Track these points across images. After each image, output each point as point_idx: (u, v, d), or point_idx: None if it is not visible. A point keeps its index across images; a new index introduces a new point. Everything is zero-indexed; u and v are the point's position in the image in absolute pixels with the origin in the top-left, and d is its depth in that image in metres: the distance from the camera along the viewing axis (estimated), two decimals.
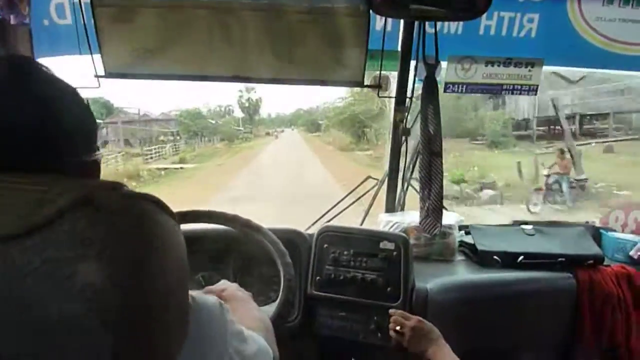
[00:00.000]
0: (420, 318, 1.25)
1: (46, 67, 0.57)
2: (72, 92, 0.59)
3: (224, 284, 1.10)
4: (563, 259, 1.64)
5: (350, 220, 1.92)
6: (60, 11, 1.62)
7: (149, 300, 0.46)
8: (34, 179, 0.46)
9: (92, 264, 0.41)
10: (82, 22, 1.51)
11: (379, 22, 1.68)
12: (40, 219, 0.41)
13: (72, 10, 1.60)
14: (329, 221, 1.85)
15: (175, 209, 0.54)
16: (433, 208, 1.51)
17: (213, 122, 32.10)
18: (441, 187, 1.51)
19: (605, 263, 1.69)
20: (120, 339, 0.42)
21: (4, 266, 0.41)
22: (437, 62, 1.52)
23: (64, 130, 0.55)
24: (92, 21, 1.51)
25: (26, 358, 0.41)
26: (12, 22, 1.40)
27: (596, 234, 1.88)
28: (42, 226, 0.41)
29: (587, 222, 1.98)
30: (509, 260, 1.66)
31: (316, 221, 1.92)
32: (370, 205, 1.97)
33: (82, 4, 1.51)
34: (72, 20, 1.61)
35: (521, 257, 1.65)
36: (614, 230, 1.92)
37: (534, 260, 1.65)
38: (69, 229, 0.42)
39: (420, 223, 1.56)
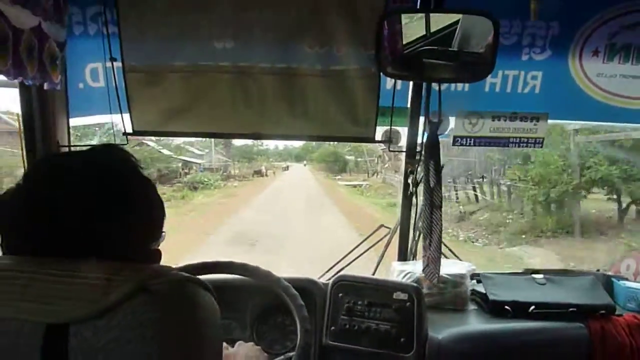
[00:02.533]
0: None
1: (134, 158, 0.64)
2: (152, 185, 0.67)
3: (239, 346, 1.16)
4: (574, 309, 1.65)
5: (363, 264, 1.97)
6: (94, 75, 1.76)
7: None
8: (99, 267, 0.54)
9: (148, 342, 0.49)
10: (114, 85, 1.65)
11: (389, 81, 1.77)
12: (107, 305, 0.49)
13: (105, 75, 1.74)
14: (342, 269, 1.89)
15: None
16: (433, 257, 1.56)
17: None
18: (440, 237, 1.56)
19: (617, 312, 1.69)
20: None
21: (78, 345, 0.48)
22: (440, 120, 1.61)
23: (142, 222, 0.63)
24: (123, 84, 1.64)
25: None
26: (45, 88, 1.53)
27: (607, 282, 1.89)
28: (108, 311, 0.49)
29: (597, 271, 1.99)
30: (520, 310, 1.68)
31: (330, 269, 1.97)
32: (383, 254, 2.02)
33: (115, 69, 1.64)
34: (104, 84, 1.75)
35: (532, 307, 1.67)
36: (626, 279, 1.93)
37: (546, 310, 1.66)
38: (130, 313, 0.50)
39: (422, 271, 1.62)
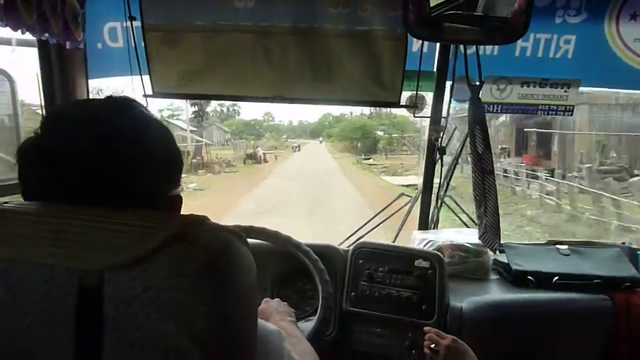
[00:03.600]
0: (455, 337, 1.26)
1: (145, 107, 0.63)
2: (167, 131, 0.65)
3: (265, 303, 1.16)
4: (599, 281, 1.63)
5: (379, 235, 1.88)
6: (113, 35, 1.72)
7: (232, 321, 0.52)
8: (133, 215, 0.52)
9: (185, 292, 0.47)
10: (134, 45, 1.61)
11: (415, 43, 1.71)
12: (143, 253, 0.47)
13: (124, 34, 1.70)
14: (361, 237, 1.88)
15: None
16: (490, 224, 1.54)
17: None
18: (496, 203, 1.53)
19: None
20: (208, 354, 0.48)
21: (113, 293, 0.47)
22: (482, 83, 1.56)
23: (161, 168, 0.61)
24: (143, 44, 1.60)
25: None
26: (68, 47, 1.50)
27: (633, 255, 1.85)
28: (145, 258, 0.47)
29: (623, 244, 1.95)
30: (543, 280, 1.66)
31: (349, 237, 1.96)
32: (403, 223, 2.00)
33: (134, 29, 1.60)
34: (123, 44, 1.71)
35: (556, 278, 1.64)
36: None
37: (570, 282, 1.64)
38: (167, 261, 0.48)
39: (479, 238, 1.60)
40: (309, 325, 1.38)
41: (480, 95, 1.59)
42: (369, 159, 28.91)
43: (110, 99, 0.62)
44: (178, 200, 0.65)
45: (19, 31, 1.26)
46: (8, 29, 1.23)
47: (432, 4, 1.47)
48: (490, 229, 1.52)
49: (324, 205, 12.01)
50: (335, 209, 11.31)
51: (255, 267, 0.58)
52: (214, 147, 30.15)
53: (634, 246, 1.95)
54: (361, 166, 26.06)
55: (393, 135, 30.88)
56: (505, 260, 1.76)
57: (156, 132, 0.62)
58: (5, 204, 0.55)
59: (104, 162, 0.55)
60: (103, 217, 0.51)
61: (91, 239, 0.49)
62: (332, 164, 26.62)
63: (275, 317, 1.12)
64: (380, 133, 31.44)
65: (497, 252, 1.85)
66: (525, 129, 18.07)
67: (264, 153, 28.42)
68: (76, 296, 0.47)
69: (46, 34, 1.36)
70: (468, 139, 1.58)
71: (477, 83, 1.54)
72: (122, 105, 0.61)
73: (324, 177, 19.14)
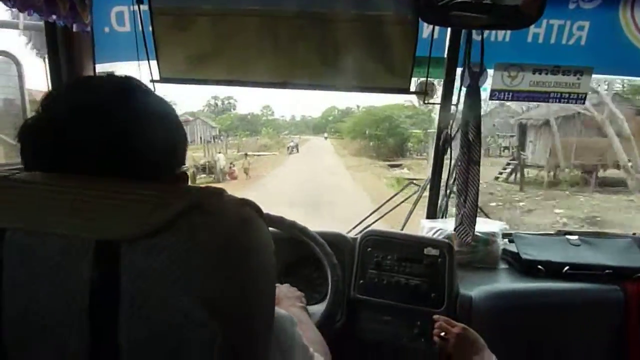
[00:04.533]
0: (465, 326, 1.25)
1: (145, 85, 0.62)
2: (172, 110, 0.64)
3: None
4: (610, 271, 1.61)
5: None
6: (120, 19, 1.71)
7: (249, 296, 0.50)
8: (144, 187, 0.51)
9: (204, 263, 0.46)
10: (141, 29, 1.59)
11: (426, 29, 1.69)
12: (160, 223, 0.46)
13: (132, 19, 1.68)
14: (369, 225, 1.87)
15: None
16: (467, 216, 1.52)
17: None
18: (477, 195, 1.52)
19: None
20: (225, 328, 0.47)
21: (130, 264, 0.45)
22: (482, 70, 1.53)
23: (167, 145, 0.61)
24: (150, 29, 1.58)
25: (149, 341, 0.46)
26: (75, 29, 1.49)
27: None
28: (162, 228, 0.46)
29: (634, 234, 1.93)
30: (553, 270, 1.64)
31: (357, 225, 1.95)
32: (411, 211, 1.98)
33: (141, 13, 1.58)
34: (130, 28, 1.69)
35: (566, 268, 1.63)
36: None
37: (580, 271, 1.62)
38: (185, 232, 0.46)
39: (454, 230, 1.58)
40: (319, 308, 1.37)
41: (487, 83, 1.57)
42: (398, 166, 20.71)
43: (112, 75, 0.62)
44: (185, 177, 0.64)
45: (26, 12, 1.25)
46: (16, 10, 1.22)
47: None
48: (466, 220, 1.51)
49: None
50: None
51: (272, 244, 0.56)
52: (191, 147, 23.85)
53: None
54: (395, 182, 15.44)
55: (429, 131, 21.97)
56: (515, 250, 1.74)
57: (159, 106, 0.62)
58: (18, 174, 0.53)
59: (109, 135, 0.54)
60: (117, 188, 0.50)
61: (107, 209, 0.48)
62: (346, 182, 16.60)
63: (285, 303, 1.12)
64: (412, 129, 23.97)
65: (507, 241, 1.84)
66: None
67: (231, 164, 19.72)
68: (91, 268, 0.46)
69: (53, 16, 1.34)
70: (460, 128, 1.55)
71: (477, 70, 1.51)
72: (123, 82, 0.60)
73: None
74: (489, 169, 16.34)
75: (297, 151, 30.02)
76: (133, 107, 0.57)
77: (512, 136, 20.88)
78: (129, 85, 0.60)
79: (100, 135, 0.53)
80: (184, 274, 0.45)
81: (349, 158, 23.41)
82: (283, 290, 1.19)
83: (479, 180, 1.52)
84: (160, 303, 0.45)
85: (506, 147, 21.98)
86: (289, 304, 1.12)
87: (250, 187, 14.94)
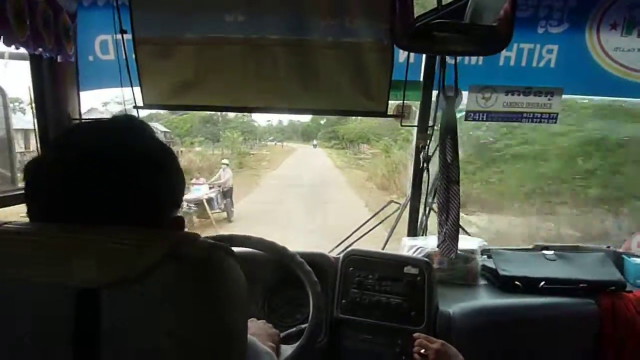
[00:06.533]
0: (444, 342, 1.28)
1: (150, 128, 0.65)
2: (172, 153, 0.66)
3: (250, 322, 1.19)
4: (585, 285, 1.66)
5: (370, 240, 1.93)
6: (104, 48, 1.74)
7: (219, 330, 0.53)
8: (128, 233, 0.54)
9: (176, 306, 0.50)
10: (125, 58, 1.63)
11: (402, 54, 1.74)
12: (138, 270, 0.49)
13: (115, 47, 1.72)
14: (352, 244, 1.90)
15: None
16: (450, 233, 1.56)
17: None
18: (458, 213, 1.56)
19: (627, 289, 1.70)
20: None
21: (110, 309, 0.49)
22: (457, 94, 1.59)
23: (165, 189, 0.63)
24: (134, 56, 1.62)
25: None
26: (59, 60, 1.52)
27: (618, 259, 1.89)
28: (140, 276, 0.49)
29: (608, 247, 1.99)
30: (530, 285, 1.69)
31: (340, 243, 1.98)
32: (393, 229, 2.02)
33: (125, 41, 1.62)
34: (114, 56, 1.73)
35: (542, 283, 1.68)
36: (636, 256, 1.92)
37: (556, 286, 1.67)
38: (161, 278, 0.50)
39: (437, 247, 1.62)
40: (290, 348, 1.39)
41: (462, 105, 1.63)
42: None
43: (115, 119, 0.65)
44: (180, 221, 0.67)
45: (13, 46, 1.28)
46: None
47: (417, 14, 1.50)
48: (449, 237, 1.55)
49: None
50: None
51: (244, 279, 0.59)
52: None
53: (619, 250, 1.99)
54: None
55: None
56: (493, 266, 1.79)
57: (159, 153, 0.64)
58: (5, 225, 0.56)
59: (108, 182, 0.56)
60: (99, 235, 0.53)
61: (88, 256, 0.51)
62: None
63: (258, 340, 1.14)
64: None
65: (486, 257, 1.89)
66: None
67: None
68: (71, 313, 0.49)
69: (39, 49, 1.38)
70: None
71: (452, 94, 1.57)
72: (125, 126, 0.63)
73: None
74: None
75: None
76: (139, 158, 0.60)
77: None
78: (130, 133, 0.62)
79: (104, 189, 0.56)
80: (159, 318, 0.49)
81: (361, 190, 13.75)
82: (260, 326, 1.22)
83: (459, 199, 1.56)
84: (139, 345, 0.49)
85: None
86: (261, 341, 1.15)
87: None
